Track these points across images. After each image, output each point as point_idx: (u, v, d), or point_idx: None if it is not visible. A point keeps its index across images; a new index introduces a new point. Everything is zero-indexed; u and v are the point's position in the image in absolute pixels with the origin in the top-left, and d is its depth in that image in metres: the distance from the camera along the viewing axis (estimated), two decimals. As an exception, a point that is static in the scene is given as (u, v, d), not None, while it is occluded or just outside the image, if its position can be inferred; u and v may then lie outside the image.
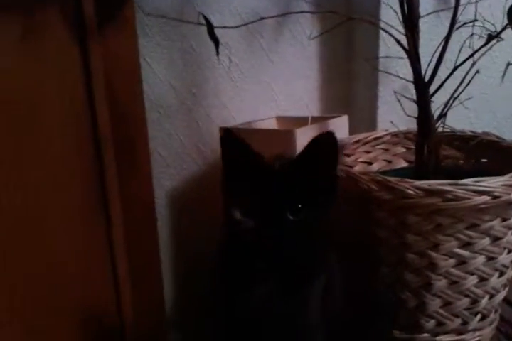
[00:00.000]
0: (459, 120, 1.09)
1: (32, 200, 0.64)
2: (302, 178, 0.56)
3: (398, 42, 0.75)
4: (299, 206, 0.56)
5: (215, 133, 0.98)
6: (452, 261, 0.72)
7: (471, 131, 0.92)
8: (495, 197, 0.65)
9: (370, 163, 0.96)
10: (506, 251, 0.74)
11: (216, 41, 0.70)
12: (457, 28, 0.75)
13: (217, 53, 0.72)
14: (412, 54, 0.73)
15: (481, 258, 0.73)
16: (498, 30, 0.73)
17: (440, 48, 0.77)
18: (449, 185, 0.66)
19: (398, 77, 0.87)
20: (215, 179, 0.99)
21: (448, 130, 0.88)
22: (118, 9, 0.71)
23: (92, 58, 0.68)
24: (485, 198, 0.65)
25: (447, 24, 0.78)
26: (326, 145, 0.56)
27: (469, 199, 0.65)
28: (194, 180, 1.01)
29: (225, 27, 0.73)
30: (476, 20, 0.76)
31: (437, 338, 0.77)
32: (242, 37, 0.97)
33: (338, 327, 0.63)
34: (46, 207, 0.66)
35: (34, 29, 0.61)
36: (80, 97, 0.70)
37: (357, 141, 0.95)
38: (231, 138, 0.57)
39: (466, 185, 0.65)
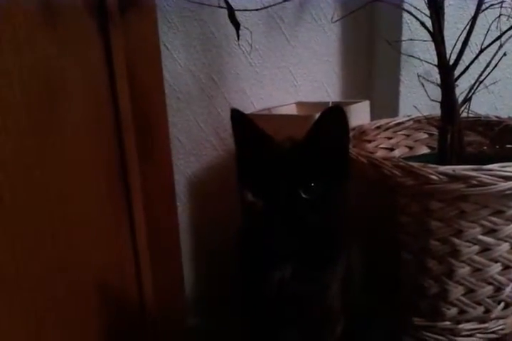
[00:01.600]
0: (483, 105, 1.07)
1: (55, 184, 0.64)
2: (313, 155, 0.55)
3: (423, 24, 0.73)
4: (312, 184, 0.55)
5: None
6: (476, 248, 0.71)
7: (496, 116, 0.90)
8: (521, 183, 0.64)
9: (391, 149, 0.95)
10: (532, 238, 0.73)
11: (237, 24, 0.69)
12: (484, 10, 0.73)
13: (238, 37, 0.71)
14: (437, 37, 0.72)
15: (506, 246, 0.72)
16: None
17: (465, 31, 0.75)
18: (474, 170, 0.64)
19: (422, 60, 0.85)
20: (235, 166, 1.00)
21: (472, 115, 0.86)
22: (139, -6, 0.70)
23: (113, 44, 0.68)
24: (511, 184, 0.64)
25: (472, 7, 0.76)
26: (334, 119, 0.56)
27: (495, 184, 0.64)
28: (214, 166, 1.01)
29: (246, 10, 0.72)
30: (503, 1, 0.74)
31: (459, 326, 0.77)
32: (262, 21, 0.96)
33: (358, 312, 0.63)
34: (68, 191, 0.66)
35: (56, 14, 0.61)
36: (102, 82, 0.70)
37: (378, 127, 0.93)
38: (240, 117, 0.57)
39: (492, 170, 0.64)
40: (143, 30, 0.75)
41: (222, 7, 0.69)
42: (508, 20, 0.72)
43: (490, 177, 0.64)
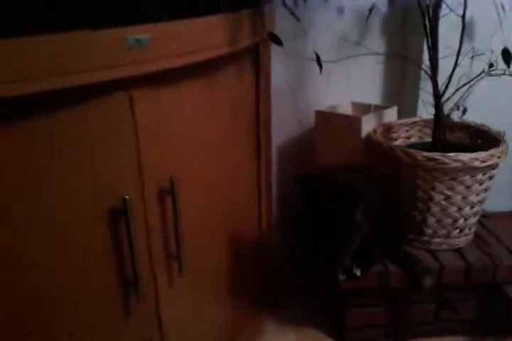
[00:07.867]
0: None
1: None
2: None
3: (426, 72, 1.29)
4: None
5: (311, 112, 1.58)
6: (442, 197, 1.30)
7: (473, 122, 1.46)
8: (465, 164, 1.22)
9: (408, 138, 1.53)
10: (474, 194, 1.31)
11: (320, 66, 1.26)
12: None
13: (320, 71, 1.29)
14: (433, 80, 1.28)
15: (459, 197, 1.30)
16: None
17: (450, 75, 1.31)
18: (441, 156, 1.23)
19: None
20: (309, 140, 1.62)
21: (459, 121, 1.43)
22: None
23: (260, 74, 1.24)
24: (458, 163, 1.22)
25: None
26: None
27: (450, 163, 1.22)
28: (296, 138, 1.65)
29: (327, 61, 1.30)
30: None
31: (433, 240, 1.37)
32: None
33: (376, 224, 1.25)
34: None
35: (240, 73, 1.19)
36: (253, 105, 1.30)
37: (401, 124, 1.52)
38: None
39: (449, 156, 1.22)
40: (266, 59, 1.33)
41: (313, 59, 1.28)
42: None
43: (448, 159, 1.22)
